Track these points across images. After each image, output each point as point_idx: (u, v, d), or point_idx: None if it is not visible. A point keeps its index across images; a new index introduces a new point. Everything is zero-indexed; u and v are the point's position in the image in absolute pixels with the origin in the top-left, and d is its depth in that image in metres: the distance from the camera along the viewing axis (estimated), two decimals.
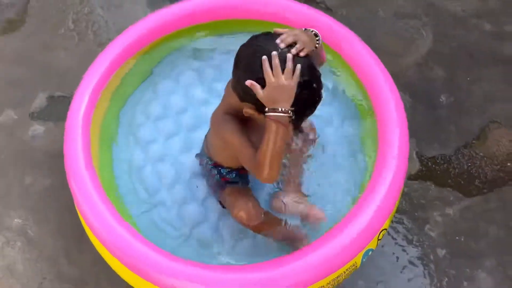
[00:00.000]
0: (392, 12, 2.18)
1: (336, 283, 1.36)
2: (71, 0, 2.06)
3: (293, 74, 1.01)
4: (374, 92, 1.53)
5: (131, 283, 1.34)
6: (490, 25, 2.17)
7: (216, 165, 1.40)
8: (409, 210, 1.68)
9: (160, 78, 1.68)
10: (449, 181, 1.76)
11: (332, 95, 1.65)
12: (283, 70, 1.01)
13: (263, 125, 1.09)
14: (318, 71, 1.09)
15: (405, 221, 1.66)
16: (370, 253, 1.40)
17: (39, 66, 1.89)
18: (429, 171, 1.78)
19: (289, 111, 1.03)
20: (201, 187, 1.53)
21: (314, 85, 1.06)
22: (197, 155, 1.54)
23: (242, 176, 1.43)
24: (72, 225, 1.56)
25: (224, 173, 1.40)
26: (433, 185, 1.75)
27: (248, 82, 1.03)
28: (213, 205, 1.50)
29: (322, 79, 1.10)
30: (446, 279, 1.57)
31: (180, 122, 1.63)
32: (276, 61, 1.01)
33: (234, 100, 1.15)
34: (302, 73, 1.02)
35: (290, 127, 1.08)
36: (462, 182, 1.76)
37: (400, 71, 1.99)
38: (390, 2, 2.21)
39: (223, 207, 1.45)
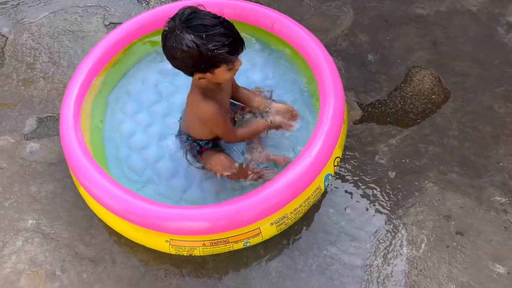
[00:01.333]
0: None
1: (308, 205, 1.65)
2: (42, 39, 2.36)
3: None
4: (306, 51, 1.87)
5: (140, 239, 1.60)
6: None
7: (195, 140, 1.70)
8: (359, 147, 2.00)
9: (130, 81, 1.98)
10: (388, 119, 2.10)
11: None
12: None
13: (224, 84, 1.43)
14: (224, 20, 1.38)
15: (357, 156, 1.98)
16: (330, 177, 1.71)
17: (23, 97, 2.15)
18: (370, 115, 2.11)
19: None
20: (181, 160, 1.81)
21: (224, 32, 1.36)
22: (176, 136, 1.83)
23: (216, 144, 1.74)
24: (80, 216, 1.81)
25: (203, 144, 1.70)
26: (375, 125, 2.08)
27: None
28: (194, 173, 1.79)
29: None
30: (400, 193, 1.88)
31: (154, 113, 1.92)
32: None
33: (194, 81, 1.47)
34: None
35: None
36: (398, 118, 2.10)
37: (330, 42, 2.36)
38: None
39: (203, 168, 1.74)
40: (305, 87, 1.94)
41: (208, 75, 1.41)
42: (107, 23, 2.44)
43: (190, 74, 1.44)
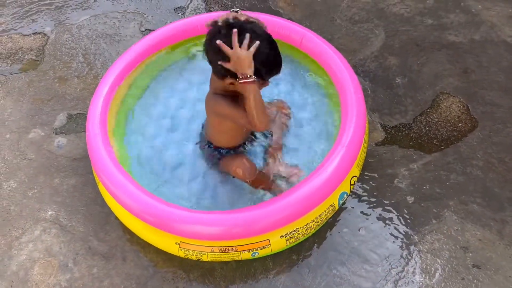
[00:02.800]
0: (348, 19, 2.59)
1: (320, 222, 1.64)
2: (81, 41, 2.47)
3: (248, 48, 1.35)
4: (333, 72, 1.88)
5: (151, 239, 1.62)
6: (431, 19, 2.57)
7: (216, 148, 1.73)
8: (379, 169, 1.98)
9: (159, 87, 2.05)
10: (411, 143, 2.07)
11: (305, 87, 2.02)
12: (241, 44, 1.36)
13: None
14: (275, 42, 1.44)
15: (377, 177, 1.95)
16: (345, 196, 1.69)
17: (57, 93, 2.25)
18: (393, 137, 2.09)
19: (250, 76, 1.36)
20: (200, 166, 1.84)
21: (271, 52, 1.40)
22: (197, 143, 1.87)
23: (238, 151, 1.76)
24: (97, 212, 1.86)
25: (224, 153, 1.72)
26: (397, 148, 2.05)
27: (219, 42, 1.36)
28: (212, 179, 1.82)
29: None
30: (417, 219, 1.84)
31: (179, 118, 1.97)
32: (234, 38, 1.35)
33: (218, 82, 1.50)
34: (261, 45, 1.37)
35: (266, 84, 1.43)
36: (422, 143, 2.07)
37: (359, 63, 2.36)
38: (345, 12, 2.63)
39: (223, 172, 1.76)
40: (327, 102, 1.95)
41: (237, 81, 1.43)
42: (143, 29, 2.53)
43: (223, 76, 1.46)
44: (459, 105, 2.19)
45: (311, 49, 1.96)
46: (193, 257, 1.59)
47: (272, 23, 2.00)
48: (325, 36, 2.46)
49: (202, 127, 1.84)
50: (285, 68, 1.96)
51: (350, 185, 1.70)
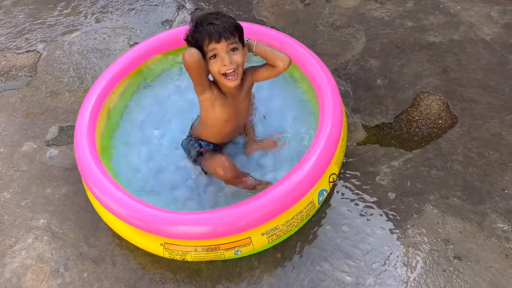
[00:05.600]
0: (329, 25, 2.66)
1: (301, 219, 1.68)
2: (72, 56, 2.56)
3: None
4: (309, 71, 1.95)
5: (137, 242, 1.68)
6: (411, 22, 2.64)
7: (198, 139, 1.80)
8: (361, 167, 2.03)
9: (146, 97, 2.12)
10: (392, 141, 2.12)
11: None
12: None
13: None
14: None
15: (359, 175, 2.00)
16: (324, 193, 1.74)
17: (49, 107, 2.33)
18: (375, 136, 2.14)
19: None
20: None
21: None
22: (182, 142, 1.92)
23: (217, 148, 1.82)
24: (88, 219, 1.92)
25: (204, 145, 1.79)
26: (379, 146, 2.10)
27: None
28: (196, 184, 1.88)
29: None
30: (399, 215, 1.88)
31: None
32: None
33: None
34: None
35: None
36: (403, 141, 2.11)
37: (341, 66, 2.43)
38: (327, 18, 2.70)
39: (205, 173, 1.82)
40: (308, 103, 2.01)
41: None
42: (131, 43, 2.62)
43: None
44: (439, 103, 2.24)
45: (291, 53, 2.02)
46: (178, 257, 1.64)
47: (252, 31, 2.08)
48: (308, 42, 2.55)
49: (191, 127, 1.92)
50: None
51: (329, 182, 1.74)
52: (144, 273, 1.76)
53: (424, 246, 1.79)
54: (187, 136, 1.86)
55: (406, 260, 1.76)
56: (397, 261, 1.76)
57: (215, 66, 1.56)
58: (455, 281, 1.70)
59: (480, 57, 2.42)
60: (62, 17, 2.82)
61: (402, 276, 1.72)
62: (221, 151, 1.83)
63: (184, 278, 1.75)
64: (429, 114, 2.21)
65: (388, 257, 1.77)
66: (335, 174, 1.78)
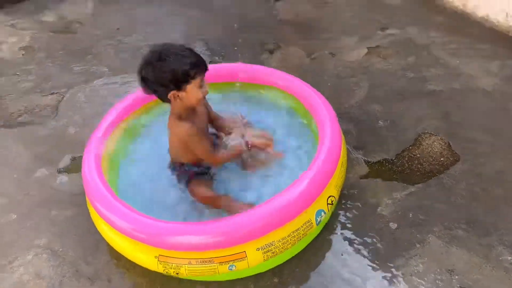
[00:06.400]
0: (335, 76, 2.82)
1: (297, 237, 1.67)
2: (92, 99, 2.75)
3: None
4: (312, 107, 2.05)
5: (132, 255, 1.68)
6: (413, 73, 2.78)
7: (182, 164, 1.88)
8: (362, 198, 2.03)
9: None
10: (394, 176, 2.13)
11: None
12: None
13: (199, 109, 1.74)
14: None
15: (360, 206, 1.99)
16: (322, 214, 1.74)
17: (65, 140, 2.46)
18: (376, 171, 2.16)
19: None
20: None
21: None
22: (168, 167, 1.98)
23: (204, 170, 1.92)
24: (89, 239, 1.93)
25: (190, 168, 1.87)
26: (381, 180, 2.11)
27: None
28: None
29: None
30: (401, 244, 1.84)
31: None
32: None
33: (172, 106, 1.74)
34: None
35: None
36: (405, 176, 2.13)
37: (344, 111, 2.52)
38: (332, 70, 2.87)
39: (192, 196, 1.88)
40: (309, 130, 2.09)
41: (182, 94, 1.66)
42: None
43: (166, 96, 1.68)
44: (441, 142, 2.28)
45: (291, 88, 2.16)
46: (172, 271, 1.61)
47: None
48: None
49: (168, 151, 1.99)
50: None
51: (328, 204, 1.74)
52: None
53: (428, 276, 1.72)
54: (172, 164, 1.95)
55: None
56: None
57: (200, 93, 1.72)
58: None
59: (480, 103, 2.50)
60: (88, 66, 3.07)
61: None
62: (209, 173, 1.91)
63: None
64: (430, 152, 2.24)
65: (390, 284, 1.71)
66: (334, 197, 1.78)
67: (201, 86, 1.70)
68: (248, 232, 1.57)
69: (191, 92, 1.68)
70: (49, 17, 3.74)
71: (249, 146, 1.88)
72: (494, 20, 3.12)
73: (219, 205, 1.81)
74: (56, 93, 2.83)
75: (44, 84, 2.93)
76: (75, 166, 2.28)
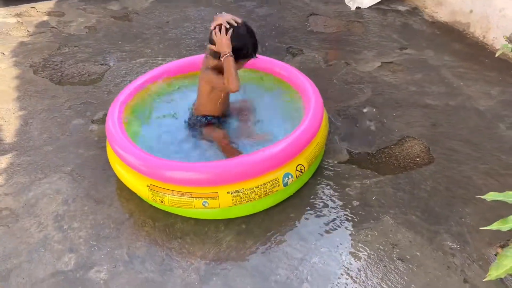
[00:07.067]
0: (342, 81, 3.12)
1: (264, 191, 1.99)
2: (133, 70, 3.24)
3: (226, 35, 1.99)
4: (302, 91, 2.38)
5: (130, 182, 2.07)
6: (415, 87, 3.02)
7: (204, 115, 2.28)
8: (335, 179, 2.31)
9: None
10: (370, 166, 2.40)
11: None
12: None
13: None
14: (249, 36, 2.06)
15: (332, 184, 2.28)
16: (290, 177, 2.05)
17: (104, 100, 2.95)
18: (355, 160, 2.43)
19: (227, 53, 1.99)
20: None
21: (246, 41, 2.04)
22: (186, 121, 2.38)
23: (221, 121, 2.31)
24: (102, 174, 2.36)
25: (210, 119, 2.28)
26: (357, 167, 2.39)
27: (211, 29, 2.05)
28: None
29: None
30: (357, 218, 2.10)
31: None
32: (216, 30, 2.01)
33: (211, 61, 2.13)
34: (238, 35, 2.00)
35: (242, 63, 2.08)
36: (379, 167, 2.38)
37: (342, 109, 2.82)
38: (342, 76, 3.17)
39: (206, 139, 2.29)
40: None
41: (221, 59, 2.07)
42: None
43: (215, 57, 2.10)
44: (421, 146, 2.52)
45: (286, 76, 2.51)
46: (158, 199, 1.99)
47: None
48: (320, 88, 2.99)
49: (190, 107, 2.38)
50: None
51: (296, 171, 2.05)
52: (132, 216, 2.12)
53: (373, 245, 1.97)
54: (192, 116, 2.33)
55: (352, 251, 1.95)
56: (344, 251, 1.95)
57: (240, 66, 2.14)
58: (392, 276, 1.85)
59: (469, 120, 2.70)
60: (135, 48, 3.58)
61: (346, 262, 1.91)
62: (223, 126, 2.31)
63: (160, 226, 2.07)
64: (409, 152, 2.48)
65: (338, 246, 1.98)
66: (304, 166, 2.09)
67: (244, 63, 2.14)
68: (222, 177, 1.92)
69: (238, 65, 2.08)
70: (114, 6, 4.34)
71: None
72: (509, 53, 3.31)
73: (224, 142, 2.20)
74: (105, 64, 3.35)
75: (96, 56, 3.46)
76: (105, 120, 2.74)
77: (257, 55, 2.15)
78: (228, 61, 2.00)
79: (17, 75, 3.24)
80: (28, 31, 3.86)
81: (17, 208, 2.18)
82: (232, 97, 2.40)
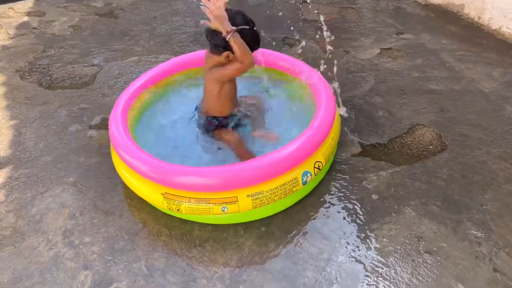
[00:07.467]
0: (344, 70, 3.06)
1: (283, 192, 1.92)
2: (125, 69, 3.10)
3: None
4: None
5: (143, 192, 1.97)
6: (418, 73, 2.98)
7: (214, 117, 2.18)
8: (351, 173, 2.25)
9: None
10: (383, 157, 2.35)
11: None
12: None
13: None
14: (249, 20, 1.96)
15: (348, 179, 2.22)
16: (308, 175, 1.98)
17: (99, 103, 2.81)
18: (368, 152, 2.38)
19: (230, 30, 1.87)
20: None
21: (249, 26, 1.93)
22: (196, 121, 2.28)
23: (230, 121, 2.21)
24: (108, 183, 2.25)
25: (221, 120, 2.17)
26: (370, 159, 2.34)
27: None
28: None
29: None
30: (378, 212, 2.05)
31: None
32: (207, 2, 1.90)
33: (215, 59, 2.01)
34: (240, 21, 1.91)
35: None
36: (393, 158, 2.34)
37: (347, 99, 2.76)
38: (342, 65, 3.11)
39: (219, 142, 2.19)
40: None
41: (233, 57, 1.95)
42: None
43: (221, 52, 1.97)
44: (433, 133, 2.48)
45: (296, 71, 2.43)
46: (174, 207, 1.90)
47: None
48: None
49: (196, 108, 2.28)
50: None
51: (314, 168, 1.99)
52: (145, 226, 2.02)
53: (398, 239, 1.93)
54: (202, 117, 2.23)
55: (379, 247, 1.90)
56: (370, 247, 1.91)
57: None
58: (422, 270, 1.81)
59: (476, 104, 2.68)
60: (125, 46, 3.43)
61: (374, 258, 1.86)
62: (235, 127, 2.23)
63: (177, 234, 1.98)
64: (421, 140, 2.44)
65: (362, 242, 1.93)
66: (321, 163, 2.02)
67: None
68: (241, 180, 1.84)
69: None
70: (97, 3, 4.16)
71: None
72: (506, 33, 3.29)
73: (241, 150, 2.11)
74: (96, 65, 3.20)
75: (85, 57, 3.30)
76: (103, 125, 2.62)
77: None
78: (234, 39, 1.86)
79: (2, 81, 3.07)
80: (8, 33, 3.66)
81: (21, 226, 2.05)
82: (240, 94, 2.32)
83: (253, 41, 1.96)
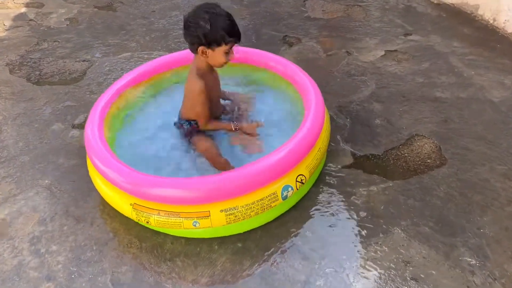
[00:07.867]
0: (344, 73, 2.89)
1: (261, 207, 1.78)
2: (116, 66, 3.00)
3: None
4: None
5: (112, 200, 1.86)
6: (422, 79, 2.80)
7: (188, 120, 2.05)
8: (340, 186, 2.10)
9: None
10: (377, 170, 2.19)
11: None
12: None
13: (215, 77, 1.89)
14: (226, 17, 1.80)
15: (335, 193, 2.07)
16: (290, 190, 1.84)
17: (85, 101, 2.71)
18: (360, 163, 2.22)
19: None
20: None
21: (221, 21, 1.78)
22: (174, 124, 2.15)
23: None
24: (84, 187, 2.15)
25: (193, 124, 2.03)
26: (362, 172, 2.18)
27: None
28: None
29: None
30: (365, 231, 1.90)
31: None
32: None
33: (196, 61, 1.88)
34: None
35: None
36: (387, 171, 2.18)
37: (344, 105, 2.60)
38: (343, 67, 2.94)
39: (194, 150, 2.04)
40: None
41: (209, 51, 1.81)
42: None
43: (196, 48, 1.83)
44: (432, 146, 2.31)
45: (283, 72, 2.28)
46: (143, 219, 1.78)
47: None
48: (320, 82, 2.74)
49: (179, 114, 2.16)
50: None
51: (297, 181, 1.84)
52: (116, 236, 1.92)
53: (383, 263, 1.78)
54: (179, 120, 2.11)
55: (361, 272, 1.76)
56: (351, 271, 1.76)
57: (224, 59, 1.86)
58: None
59: (483, 114, 2.48)
60: (120, 41, 3.33)
61: (354, 284, 1.71)
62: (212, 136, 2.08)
63: (148, 247, 1.87)
64: (419, 153, 2.27)
65: (344, 265, 1.78)
66: (305, 177, 1.88)
67: (227, 53, 1.84)
68: (214, 194, 1.71)
69: (217, 54, 1.82)
70: None
71: (237, 128, 2.02)
72: None
73: (212, 155, 1.97)
74: (87, 60, 3.11)
75: (78, 52, 3.21)
76: None
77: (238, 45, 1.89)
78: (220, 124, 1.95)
79: None
80: (4, 25, 3.60)
81: None
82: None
83: (228, 33, 1.80)
